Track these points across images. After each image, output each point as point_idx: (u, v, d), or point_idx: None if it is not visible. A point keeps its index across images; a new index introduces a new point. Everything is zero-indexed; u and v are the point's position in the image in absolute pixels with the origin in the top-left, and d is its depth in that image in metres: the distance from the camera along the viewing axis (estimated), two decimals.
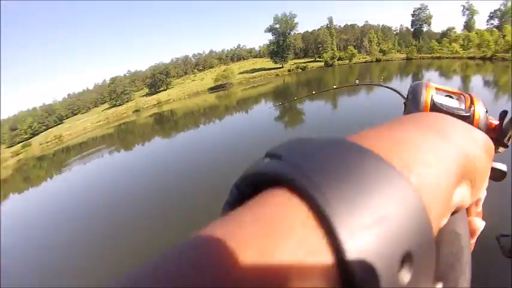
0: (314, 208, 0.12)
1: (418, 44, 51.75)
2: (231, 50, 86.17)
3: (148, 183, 11.78)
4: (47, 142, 46.65)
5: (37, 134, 56.19)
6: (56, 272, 6.99)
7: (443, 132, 0.21)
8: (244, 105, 30.94)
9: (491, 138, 0.29)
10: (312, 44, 63.06)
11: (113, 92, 62.25)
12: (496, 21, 47.05)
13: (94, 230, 8.79)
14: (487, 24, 48.36)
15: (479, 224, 0.27)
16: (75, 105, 69.91)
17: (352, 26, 68.55)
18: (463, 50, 42.25)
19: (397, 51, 54.79)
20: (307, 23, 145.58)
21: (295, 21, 55.46)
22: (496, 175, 0.35)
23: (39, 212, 13.19)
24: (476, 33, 43.76)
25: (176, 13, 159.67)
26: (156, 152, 18.63)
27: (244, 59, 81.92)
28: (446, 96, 0.38)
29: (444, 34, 50.67)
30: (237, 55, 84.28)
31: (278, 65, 57.24)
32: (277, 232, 0.11)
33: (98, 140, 33.92)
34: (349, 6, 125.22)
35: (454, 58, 39.76)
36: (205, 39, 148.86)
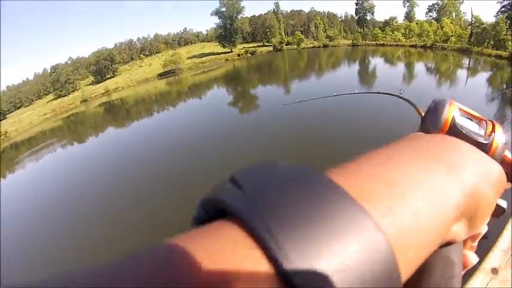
0: (265, 252, 0.12)
1: (363, 32, 54.49)
2: (178, 33, 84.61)
3: (106, 175, 12.05)
4: None
5: None
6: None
7: (453, 163, 0.20)
8: (197, 91, 31.33)
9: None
10: (260, 29, 63.77)
11: (56, 82, 59.35)
12: (434, 14, 51.23)
13: (53, 227, 9.01)
14: (426, 16, 52.66)
15: (473, 260, 0.27)
16: (16, 98, 65.44)
17: (299, 12, 70.15)
18: (405, 38, 45.75)
19: (343, 38, 57.57)
20: (253, 7, 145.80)
21: (241, 5, 55.76)
22: (496, 211, 0.30)
23: None
24: (416, 23, 47.82)
25: None
26: (111, 143, 18.80)
27: (192, 43, 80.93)
28: (467, 118, 0.36)
29: (387, 23, 53.79)
30: (184, 39, 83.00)
31: (227, 49, 57.40)
32: (223, 265, 0.11)
33: (47, 134, 32.66)
34: None
35: (397, 46, 42.88)
36: (149, 22, 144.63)
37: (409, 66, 27.25)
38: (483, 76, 21.52)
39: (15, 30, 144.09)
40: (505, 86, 16.84)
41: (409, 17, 54.25)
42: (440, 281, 0.24)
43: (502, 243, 3.56)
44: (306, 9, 70.64)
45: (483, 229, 0.25)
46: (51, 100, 60.06)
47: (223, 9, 55.24)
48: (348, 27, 63.70)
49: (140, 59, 74.04)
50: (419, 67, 26.64)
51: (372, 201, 0.15)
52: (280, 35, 56.89)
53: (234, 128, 13.74)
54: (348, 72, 26.91)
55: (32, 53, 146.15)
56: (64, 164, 17.43)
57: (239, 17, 57.00)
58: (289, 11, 69.71)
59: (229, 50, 56.96)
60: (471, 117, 0.37)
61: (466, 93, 15.55)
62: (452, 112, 0.35)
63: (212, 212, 0.14)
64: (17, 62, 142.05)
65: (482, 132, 0.35)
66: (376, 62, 31.87)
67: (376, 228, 0.13)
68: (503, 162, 0.36)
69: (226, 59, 52.91)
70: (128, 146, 16.21)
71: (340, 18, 69.45)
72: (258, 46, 58.88)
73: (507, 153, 0.37)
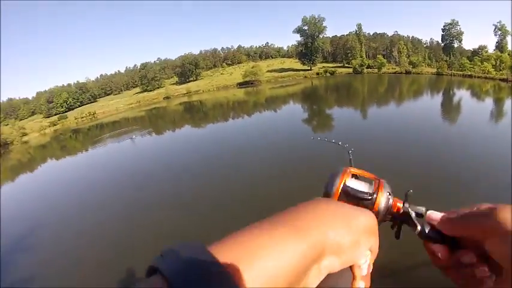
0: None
1: (449, 60, 51.09)
2: (260, 47, 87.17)
3: (176, 171, 12.45)
4: (82, 117, 48.78)
5: (72, 109, 58.58)
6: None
7: (309, 224, 0.29)
8: (273, 104, 31.59)
9: (394, 217, 0.43)
10: (341, 49, 63.67)
11: (144, 78, 64.33)
12: None
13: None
14: None
15: (359, 284, 0.34)
16: (107, 86, 71.93)
17: (381, 34, 68.80)
18: (495, 70, 40.60)
19: (427, 65, 54.54)
20: (335, 27, 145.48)
21: (323, 25, 56.37)
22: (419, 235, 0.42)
23: (75, 180, 14.49)
24: (508, 54, 42.69)
25: (206, 5, 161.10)
26: (185, 140, 19.73)
27: (272, 58, 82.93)
28: (359, 179, 0.44)
29: (475, 52, 49.90)
30: (265, 53, 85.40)
31: (306, 67, 58.07)
32: None
33: (130, 121, 35.11)
34: (378, 14, 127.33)
35: (485, 78, 37.89)
36: (234, 34, 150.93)
37: (498, 102, 23.76)
38: None
39: (113, 27, 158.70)
40: None
41: (500, 46, 48.94)
42: None
43: None
44: (390, 33, 68.14)
45: (360, 260, 0.33)
46: (137, 93, 65.37)
47: (306, 27, 56.15)
48: (432, 54, 61.07)
49: (222, 67, 77.40)
50: (509, 105, 23.95)
51: (236, 262, 0.23)
52: (361, 57, 56.23)
53: (303, 145, 13.26)
54: (430, 103, 24.93)
55: (127, 48, 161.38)
56: (139, 150, 18.91)
57: (321, 36, 57.51)
58: (371, 34, 68.59)
59: (309, 68, 57.46)
60: (365, 177, 0.45)
61: None
62: (344, 179, 0.43)
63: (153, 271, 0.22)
64: (115, 54, 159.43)
65: (370, 190, 0.43)
66: (462, 95, 28.40)
67: (232, 279, 0.21)
68: (390, 209, 0.43)
69: (305, 76, 53.37)
70: (198, 146, 16.69)
71: (425, 44, 66.87)
72: (338, 67, 58.54)
73: (398, 201, 0.44)
